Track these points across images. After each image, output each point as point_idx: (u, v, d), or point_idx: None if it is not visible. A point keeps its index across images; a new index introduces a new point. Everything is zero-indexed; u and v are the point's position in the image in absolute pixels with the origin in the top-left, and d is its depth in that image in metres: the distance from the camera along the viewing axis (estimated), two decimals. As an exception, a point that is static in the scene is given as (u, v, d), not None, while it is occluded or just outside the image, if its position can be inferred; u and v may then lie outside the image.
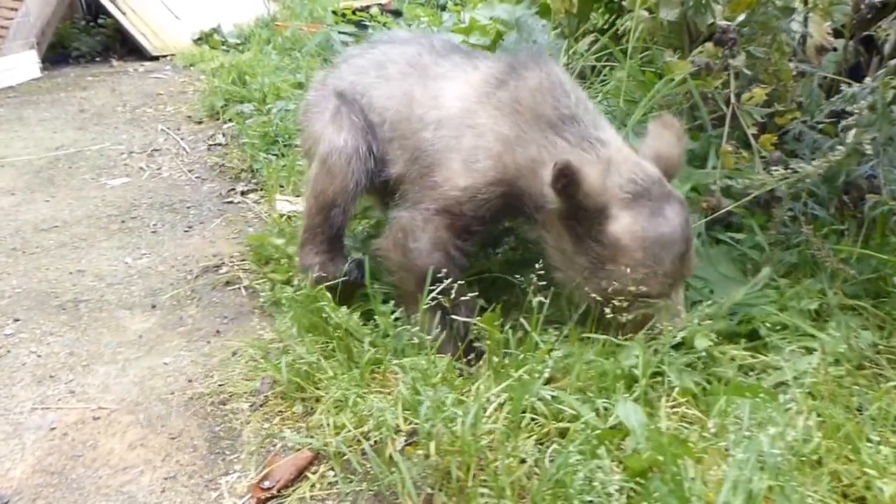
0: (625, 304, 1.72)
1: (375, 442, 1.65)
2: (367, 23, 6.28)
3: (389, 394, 1.79)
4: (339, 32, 6.00)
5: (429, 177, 1.99)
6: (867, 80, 1.93)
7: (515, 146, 1.90)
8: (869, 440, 1.43)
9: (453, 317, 1.85)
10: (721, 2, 2.37)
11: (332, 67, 2.53)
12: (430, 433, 1.47)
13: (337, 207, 2.20)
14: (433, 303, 1.80)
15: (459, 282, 1.83)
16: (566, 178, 1.70)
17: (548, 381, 1.66)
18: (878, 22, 2.62)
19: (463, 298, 1.88)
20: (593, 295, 1.76)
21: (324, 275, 2.22)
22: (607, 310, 1.73)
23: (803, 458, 1.43)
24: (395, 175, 2.17)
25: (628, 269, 1.73)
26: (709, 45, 2.23)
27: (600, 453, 1.33)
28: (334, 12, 6.49)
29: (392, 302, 1.99)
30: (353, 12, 6.45)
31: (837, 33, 2.84)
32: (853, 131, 1.81)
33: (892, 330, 1.93)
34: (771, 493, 1.25)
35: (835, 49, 2.83)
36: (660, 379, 1.69)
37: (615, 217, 1.75)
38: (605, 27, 3.50)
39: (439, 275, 1.83)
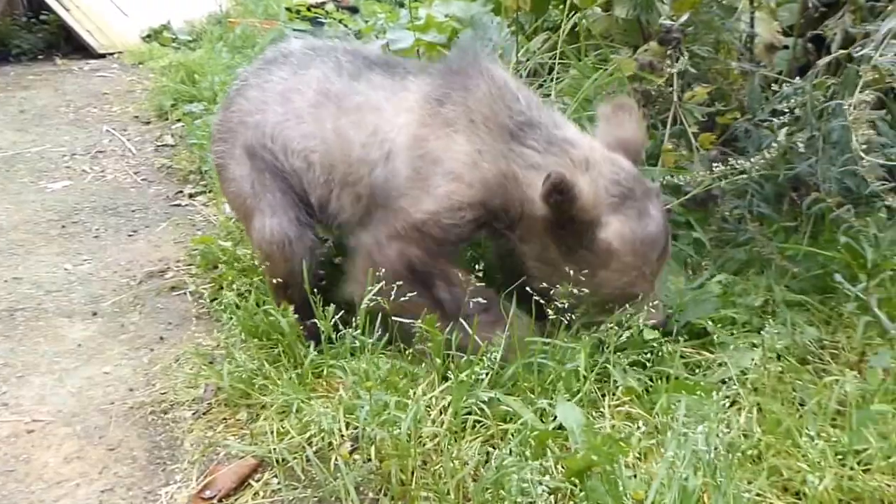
0: (611, 306, 1.76)
1: (319, 448, 1.66)
2: (323, 19, 6.26)
3: (332, 399, 1.79)
4: (294, 30, 5.98)
5: (392, 206, 1.90)
6: (797, 80, 1.99)
7: (480, 163, 1.83)
8: (805, 433, 1.47)
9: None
10: (667, 1, 2.42)
11: (228, 102, 2.29)
12: (370, 437, 1.48)
13: (291, 287, 2.08)
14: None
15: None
16: (561, 194, 1.67)
17: (497, 384, 1.70)
18: (826, 21, 2.70)
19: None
20: (581, 301, 1.75)
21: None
22: (589, 311, 1.76)
23: (743, 454, 1.47)
24: (348, 219, 2.06)
25: (619, 273, 1.75)
26: (654, 43, 2.28)
27: (538, 454, 1.36)
28: (288, 9, 6.46)
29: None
30: (308, 9, 6.43)
31: (789, 31, 2.92)
32: (784, 130, 1.87)
33: (838, 326, 1.99)
34: (707, 490, 1.29)
35: (785, 47, 2.92)
36: (606, 379, 1.73)
37: (605, 223, 1.75)
38: (561, 25, 3.55)
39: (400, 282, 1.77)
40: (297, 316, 2.02)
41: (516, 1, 3.61)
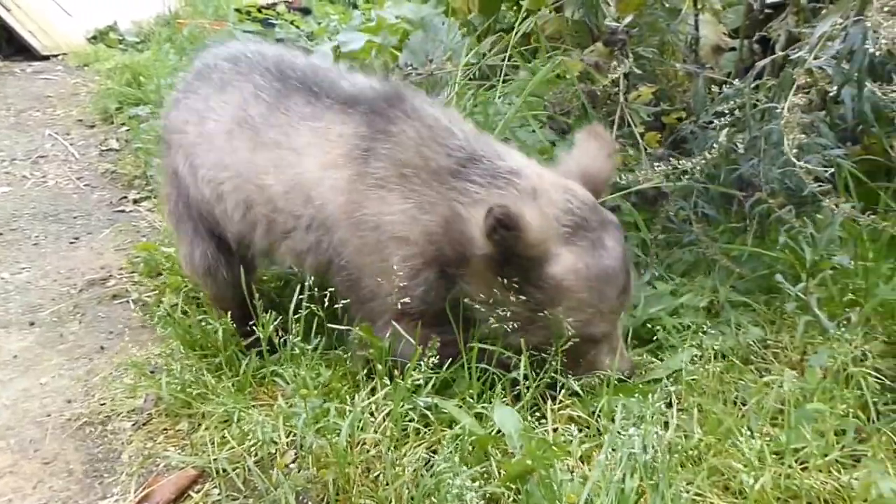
0: (565, 348, 1.63)
1: (260, 458, 1.66)
2: (274, 21, 6.23)
3: (273, 407, 1.79)
4: (244, 31, 5.95)
5: (358, 291, 1.79)
6: (736, 81, 2.05)
7: (421, 216, 1.70)
8: (744, 433, 1.51)
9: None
10: (612, 3, 2.47)
11: (164, 113, 2.24)
12: (308, 445, 1.49)
13: (225, 306, 2.12)
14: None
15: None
16: (507, 228, 1.53)
17: (442, 390, 1.71)
18: (770, 22, 2.78)
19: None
20: (531, 345, 1.66)
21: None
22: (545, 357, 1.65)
23: (685, 455, 1.51)
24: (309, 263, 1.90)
25: (573, 312, 1.62)
26: (599, 44, 2.32)
27: (479, 459, 1.38)
28: (238, 10, 6.43)
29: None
30: (259, 10, 6.39)
31: (735, 34, 3.00)
32: (725, 131, 1.92)
33: (782, 325, 2.04)
34: (645, 491, 1.32)
35: (732, 49, 2.99)
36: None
37: (555, 256, 1.61)
38: (513, 26, 3.59)
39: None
40: (234, 324, 2.02)
41: (466, 3, 3.65)
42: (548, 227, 1.59)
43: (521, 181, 1.67)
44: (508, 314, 1.62)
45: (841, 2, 1.92)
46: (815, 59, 1.78)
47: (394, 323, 1.70)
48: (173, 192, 2.13)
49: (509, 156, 1.76)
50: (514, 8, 3.72)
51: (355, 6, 6.61)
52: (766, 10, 2.93)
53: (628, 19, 2.29)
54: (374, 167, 1.74)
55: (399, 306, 1.67)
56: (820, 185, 1.74)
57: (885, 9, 1.60)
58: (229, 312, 2.07)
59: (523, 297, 1.63)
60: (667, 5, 2.35)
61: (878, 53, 1.62)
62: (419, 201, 1.70)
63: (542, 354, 1.66)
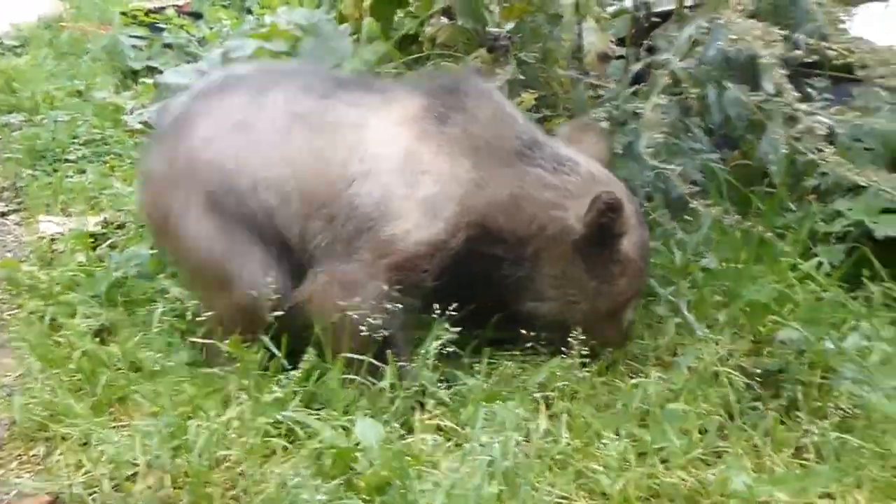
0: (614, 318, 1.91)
1: (119, 480, 1.62)
2: (163, 25, 6.09)
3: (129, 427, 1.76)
4: (130, 36, 5.80)
5: (375, 231, 1.75)
6: (612, 86, 2.13)
7: (485, 187, 1.80)
8: (610, 435, 1.57)
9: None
10: (496, 9, 2.53)
11: (163, 132, 2.08)
12: (164, 465, 1.46)
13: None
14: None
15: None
16: (614, 212, 1.75)
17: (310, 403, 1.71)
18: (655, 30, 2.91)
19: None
20: (589, 316, 1.87)
21: None
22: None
23: (551, 459, 1.56)
24: (316, 247, 1.85)
25: (634, 279, 1.89)
26: (483, 51, 2.38)
27: (342, 471, 1.39)
28: (123, 13, 6.25)
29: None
30: (147, 14, 6.24)
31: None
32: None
33: (659, 329, 2.12)
34: (502, 497, 1.36)
35: (619, 57, 3.11)
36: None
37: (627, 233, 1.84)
38: (408, 33, 3.63)
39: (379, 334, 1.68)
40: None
41: (357, 8, 3.67)
42: (629, 207, 1.82)
43: (580, 167, 1.86)
44: (576, 290, 1.86)
45: (706, 5, 2.02)
46: (680, 61, 1.87)
47: (380, 273, 1.73)
48: (211, 222, 1.88)
49: (558, 143, 1.94)
50: (410, 15, 3.76)
51: (250, 11, 6.52)
52: (653, 19, 3.06)
53: (510, 26, 2.35)
54: (447, 131, 1.82)
55: (410, 254, 1.74)
56: (689, 188, 1.83)
57: (739, 7, 1.70)
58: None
59: (599, 273, 1.85)
60: (549, 13, 2.42)
61: (731, 51, 1.72)
62: (488, 175, 1.80)
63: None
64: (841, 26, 1.61)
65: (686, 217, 2.26)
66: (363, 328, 1.67)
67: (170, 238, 2.00)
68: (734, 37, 1.69)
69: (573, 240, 1.82)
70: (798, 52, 1.81)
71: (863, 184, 1.65)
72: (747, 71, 1.86)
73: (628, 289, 1.90)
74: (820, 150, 1.55)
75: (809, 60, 2.02)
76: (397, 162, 1.79)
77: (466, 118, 1.83)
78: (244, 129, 1.88)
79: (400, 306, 1.72)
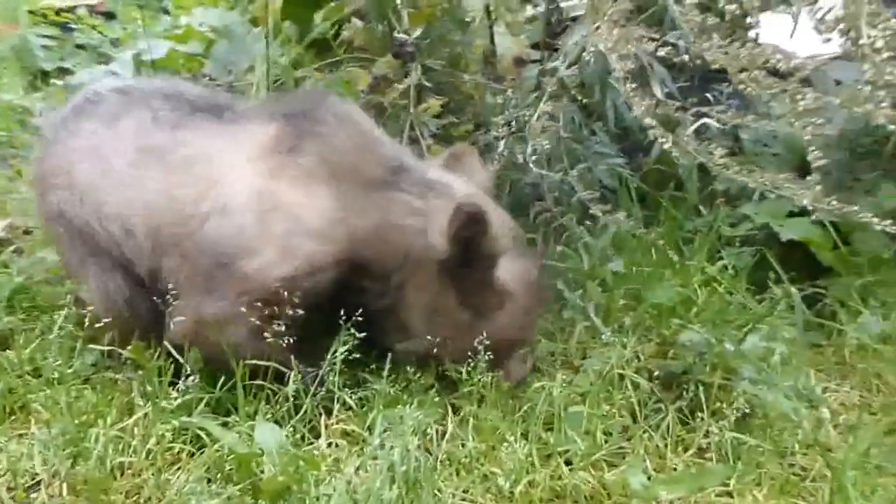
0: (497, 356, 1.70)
1: (15, 490, 1.57)
2: (73, 25, 5.92)
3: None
4: (40, 36, 5.63)
5: (232, 267, 1.67)
6: (509, 92, 2.17)
7: (348, 218, 1.69)
8: (516, 438, 1.59)
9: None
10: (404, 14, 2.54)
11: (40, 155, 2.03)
12: (58, 474, 1.46)
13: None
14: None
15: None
16: (477, 224, 1.62)
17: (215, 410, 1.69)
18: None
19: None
20: (464, 353, 1.70)
21: None
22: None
23: (458, 463, 1.58)
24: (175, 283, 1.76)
25: (515, 317, 1.75)
26: (389, 56, 2.39)
27: (243, 477, 1.39)
28: (32, 12, 6.05)
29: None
30: (57, 13, 6.05)
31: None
32: (504, 141, 2.04)
33: (569, 336, 2.16)
34: (404, 500, 1.37)
35: (535, 61, 3.16)
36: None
37: (504, 261, 1.73)
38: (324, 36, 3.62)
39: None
40: None
41: (266, 11, 3.64)
42: (503, 228, 1.71)
43: (453, 191, 1.73)
44: (447, 323, 1.71)
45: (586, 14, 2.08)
46: (567, 69, 1.92)
47: (244, 311, 1.63)
48: (65, 234, 1.88)
49: (430, 167, 1.83)
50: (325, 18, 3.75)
51: (167, 11, 6.39)
52: (566, 24, 3.13)
53: (419, 31, 2.36)
54: (300, 161, 1.71)
55: (267, 290, 1.62)
56: (589, 193, 1.87)
57: (615, 17, 1.74)
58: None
59: (472, 302, 1.73)
60: (457, 18, 2.45)
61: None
62: (351, 204, 1.69)
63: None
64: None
65: (593, 222, 2.30)
66: (246, 356, 1.63)
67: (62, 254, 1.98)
68: (593, 48, 1.72)
69: (439, 261, 1.69)
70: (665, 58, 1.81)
71: (754, 187, 1.68)
72: (642, 77, 1.91)
73: (509, 327, 1.75)
74: (711, 154, 1.60)
75: (717, 67, 2.10)
76: (250, 199, 1.69)
77: (322, 146, 1.73)
78: (96, 157, 1.84)
79: (278, 334, 1.63)
